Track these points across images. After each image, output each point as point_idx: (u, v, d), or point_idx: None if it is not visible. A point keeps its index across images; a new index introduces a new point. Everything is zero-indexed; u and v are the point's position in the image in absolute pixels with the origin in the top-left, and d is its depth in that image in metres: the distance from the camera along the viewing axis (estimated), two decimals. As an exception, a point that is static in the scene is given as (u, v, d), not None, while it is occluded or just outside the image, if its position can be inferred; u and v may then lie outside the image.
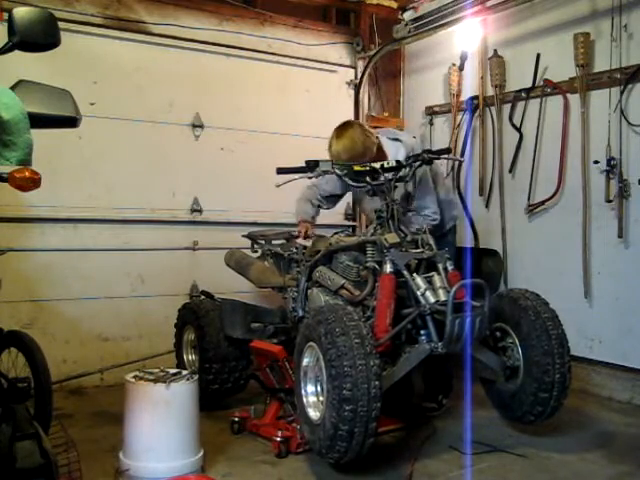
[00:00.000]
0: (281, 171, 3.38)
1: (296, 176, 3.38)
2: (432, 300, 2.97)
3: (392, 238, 3.17)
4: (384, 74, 5.61)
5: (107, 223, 4.38)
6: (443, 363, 3.34)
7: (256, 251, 4.23)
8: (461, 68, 4.92)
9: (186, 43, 4.66)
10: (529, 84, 4.45)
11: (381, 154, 3.62)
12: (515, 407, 3.24)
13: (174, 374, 2.92)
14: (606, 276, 4.09)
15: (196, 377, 2.93)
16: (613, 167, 3.94)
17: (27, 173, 1.95)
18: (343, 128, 3.59)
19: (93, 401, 4.01)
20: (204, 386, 3.47)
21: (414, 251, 3.16)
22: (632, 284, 3.95)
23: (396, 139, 3.73)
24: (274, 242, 4.16)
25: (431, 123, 5.35)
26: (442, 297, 2.97)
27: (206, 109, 4.75)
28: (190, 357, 3.98)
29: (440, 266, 3.10)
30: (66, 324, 4.25)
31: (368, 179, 3.40)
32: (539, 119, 4.44)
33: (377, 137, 3.65)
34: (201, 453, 2.90)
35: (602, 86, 4.04)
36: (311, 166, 3.35)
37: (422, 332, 3.03)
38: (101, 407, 3.82)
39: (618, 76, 3.93)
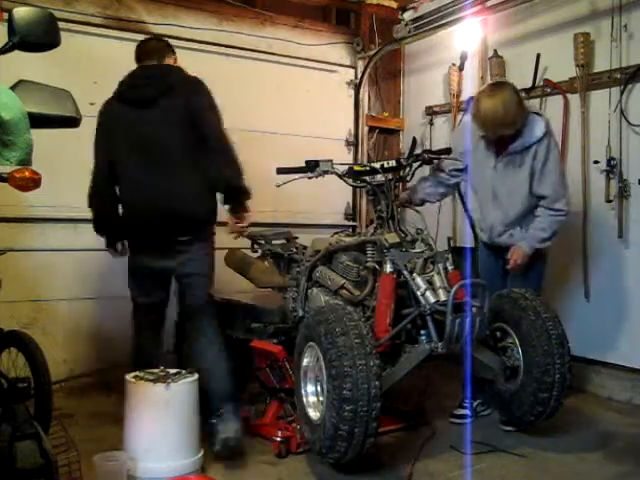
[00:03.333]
0: (281, 171, 3.38)
1: (296, 176, 3.38)
2: (432, 300, 2.97)
3: (392, 238, 3.17)
4: (384, 74, 5.61)
5: (107, 223, 4.37)
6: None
7: (256, 251, 4.23)
8: (461, 68, 4.92)
9: (186, 43, 4.65)
10: (529, 84, 4.45)
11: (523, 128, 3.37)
12: (515, 407, 3.24)
13: (174, 374, 2.92)
14: (606, 276, 4.09)
15: (196, 377, 2.93)
16: (613, 167, 3.94)
17: (27, 173, 1.95)
18: (497, 87, 3.37)
19: (93, 401, 4.01)
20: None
21: (414, 251, 3.17)
22: (632, 284, 3.95)
23: (537, 113, 3.49)
24: (274, 242, 4.15)
25: (431, 123, 5.34)
26: (442, 297, 2.98)
27: (206, 109, 4.74)
28: (190, 357, 3.97)
29: (440, 266, 3.10)
30: (66, 324, 4.25)
31: (368, 179, 3.41)
32: (539, 119, 4.44)
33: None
34: (201, 453, 2.90)
35: (602, 86, 4.04)
36: (311, 166, 3.36)
37: (422, 332, 3.03)
38: (101, 407, 3.82)
39: (618, 76, 3.93)
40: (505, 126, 3.30)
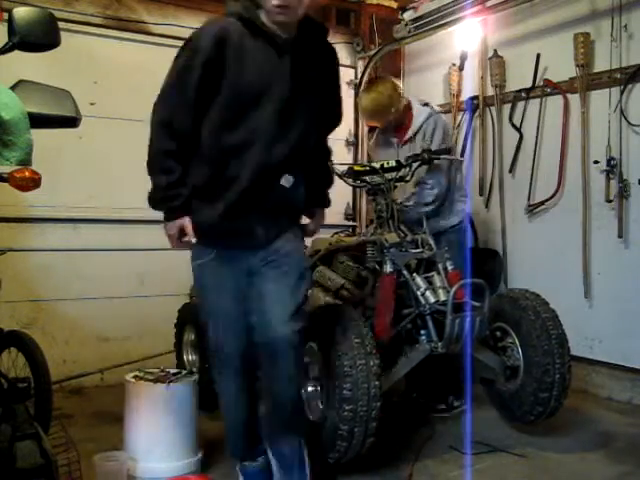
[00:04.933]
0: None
1: (296, 176, 3.38)
2: (432, 300, 2.97)
3: (392, 238, 3.17)
4: (384, 74, 5.60)
5: (107, 223, 4.38)
6: (452, 363, 3.30)
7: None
8: (461, 68, 4.92)
9: (186, 43, 4.65)
10: (529, 84, 4.45)
11: (409, 114, 3.84)
12: (515, 407, 3.24)
13: (174, 374, 2.92)
14: (606, 276, 4.09)
15: (196, 377, 2.93)
16: (613, 167, 3.93)
17: (27, 173, 1.96)
18: (374, 82, 3.90)
19: (93, 401, 4.00)
20: (204, 386, 3.46)
21: (414, 251, 3.17)
22: (632, 284, 3.94)
23: (425, 104, 3.90)
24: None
25: (431, 123, 5.34)
26: (442, 297, 2.98)
27: (206, 109, 4.74)
28: (190, 357, 3.97)
29: (440, 266, 3.10)
30: (66, 324, 4.25)
31: (368, 179, 3.41)
32: (539, 119, 4.44)
33: (408, 99, 3.89)
34: (201, 453, 2.90)
35: (602, 86, 4.03)
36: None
37: (422, 332, 3.03)
38: (101, 407, 3.82)
39: (618, 76, 3.92)
40: (382, 110, 3.74)
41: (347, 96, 5.45)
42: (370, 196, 3.50)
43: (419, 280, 3.04)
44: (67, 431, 2.87)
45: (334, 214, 5.36)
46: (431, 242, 3.21)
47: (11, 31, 2.01)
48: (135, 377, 2.88)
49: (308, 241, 3.83)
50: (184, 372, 2.96)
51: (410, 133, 3.81)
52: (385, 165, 3.39)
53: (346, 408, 2.62)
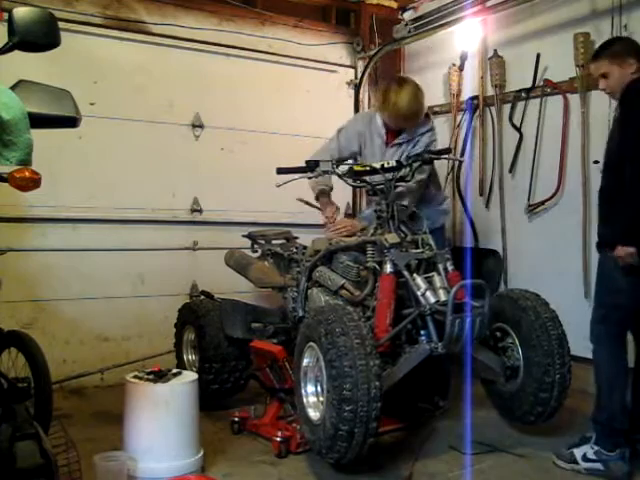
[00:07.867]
0: (281, 171, 3.38)
1: (296, 176, 3.39)
2: (432, 300, 2.97)
3: (392, 238, 3.17)
4: (384, 74, 5.61)
5: (107, 223, 4.38)
6: (440, 363, 3.33)
7: (256, 251, 4.23)
8: (461, 68, 4.93)
9: (186, 43, 4.66)
10: (529, 84, 4.45)
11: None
12: (515, 407, 3.24)
13: (174, 374, 2.92)
14: (606, 276, 4.08)
15: (196, 377, 2.93)
16: (613, 167, 3.93)
17: (27, 173, 1.95)
18: (404, 81, 3.73)
19: (93, 401, 4.01)
20: (204, 386, 3.47)
21: (414, 251, 3.17)
22: (632, 284, 3.94)
23: (427, 115, 3.88)
24: (274, 242, 4.16)
25: (431, 123, 5.34)
26: (442, 297, 2.97)
27: (206, 109, 4.75)
28: (190, 357, 3.98)
29: (440, 266, 3.10)
30: (66, 324, 4.25)
31: (368, 179, 3.41)
32: (539, 119, 4.44)
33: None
34: (201, 453, 2.90)
35: (602, 86, 4.04)
36: (311, 166, 3.36)
37: (422, 332, 3.03)
38: (101, 407, 3.82)
39: (618, 76, 3.93)
40: (412, 116, 3.66)
41: (347, 96, 5.46)
42: (370, 196, 3.50)
43: (419, 280, 3.04)
44: (67, 431, 2.87)
45: (334, 214, 5.36)
46: (431, 242, 3.21)
47: (11, 31, 2.00)
48: (135, 377, 2.88)
49: (308, 241, 3.86)
50: (185, 372, 2.96)
51: (403, 139, 3.79)
52: (385, 165, 3.39)
53: (346, 408, 2.62)
